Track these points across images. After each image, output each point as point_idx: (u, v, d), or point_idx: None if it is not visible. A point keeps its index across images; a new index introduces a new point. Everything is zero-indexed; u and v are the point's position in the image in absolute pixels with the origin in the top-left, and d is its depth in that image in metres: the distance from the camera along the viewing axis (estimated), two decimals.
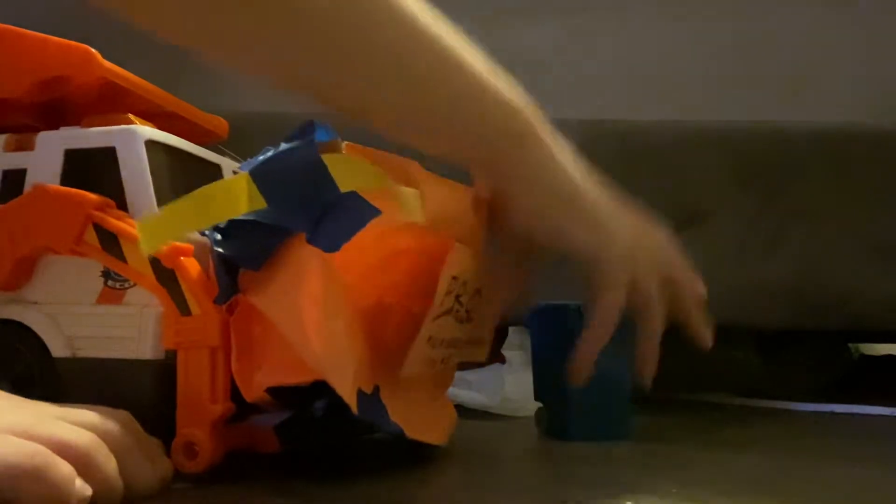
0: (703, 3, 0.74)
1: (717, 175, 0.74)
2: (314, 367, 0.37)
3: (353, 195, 0.37)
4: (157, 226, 0.35)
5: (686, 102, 0.74)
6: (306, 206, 0.37)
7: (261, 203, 0.36)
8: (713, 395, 0.82)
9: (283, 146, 0.37)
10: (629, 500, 0.39)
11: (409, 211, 0.37)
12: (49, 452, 0.31)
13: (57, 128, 0.45)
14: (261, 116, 0.66)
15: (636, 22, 0.75)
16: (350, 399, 0.37)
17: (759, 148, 0.73)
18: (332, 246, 0.37)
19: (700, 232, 0.75)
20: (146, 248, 0.36)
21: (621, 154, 0.74)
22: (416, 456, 0.47)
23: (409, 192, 0.37)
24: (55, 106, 0.47)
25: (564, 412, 0.56)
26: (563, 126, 0.73)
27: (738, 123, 0.73)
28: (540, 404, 0.60)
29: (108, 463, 0.33)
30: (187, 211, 0.35)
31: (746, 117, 0.73)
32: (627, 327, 0.52)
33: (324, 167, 0.36)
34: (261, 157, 0.37)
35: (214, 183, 0.36)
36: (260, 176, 0.36)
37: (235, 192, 0.35)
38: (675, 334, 0.83)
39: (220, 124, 0.54)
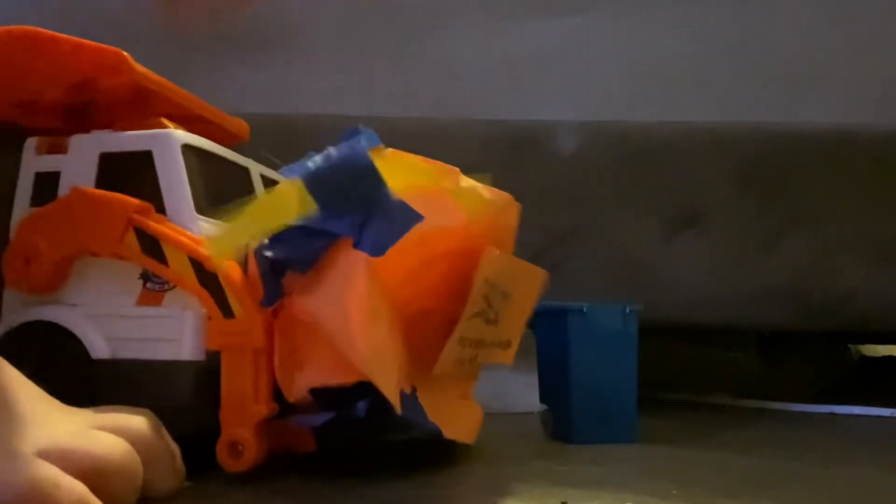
0: (704, 4, 0.76)
1: (717, 176, 0.77)
2: (360, 368, 0.39)
3: (398, 201, 0.40)
4: (225, 241, 0.38)
5: (686, 103, 0.76)
6: (353, 211, 0.39)
7: (312, 208, 0.39)
8: (713, 397, 0.84)
9: (332, 152, 0.40)
10: (630, 501, 0.41)
11: (474, 204, 0.40)
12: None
13: (85, 130, 0.47)
14: (266, 118, 0.69)
15: (636, 22, 0.77)
16: (394, 399, 0.40)
17: (758, 149, 0.76)
18: (377, 250, 0.39)
19: (700, 233, 0.78)
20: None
21: (621, 155, 0.77)
22: (417, 457, 0.50)
23: (469, 186, 0.40)
24: (83, 108, 0.48)
25: (569, 416, 0.58)
26: (564, 127, 0.77)
27: (738, 124, 0.76)
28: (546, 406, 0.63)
29: (137, 479, 0.35)
30: (249, 223, 0.38)
31: (746, 118, 0.75)
32: (632, 331, 0.54)
33: (376, 171, 0.39)
34: (308, 164, 0.40)
35: (268, 193, 0.39)
36: (314, 182, 0.38)
37: (289, 200, 0.38)
38: (677, 337, 0.86)
39: (243, 127, 0.56)
